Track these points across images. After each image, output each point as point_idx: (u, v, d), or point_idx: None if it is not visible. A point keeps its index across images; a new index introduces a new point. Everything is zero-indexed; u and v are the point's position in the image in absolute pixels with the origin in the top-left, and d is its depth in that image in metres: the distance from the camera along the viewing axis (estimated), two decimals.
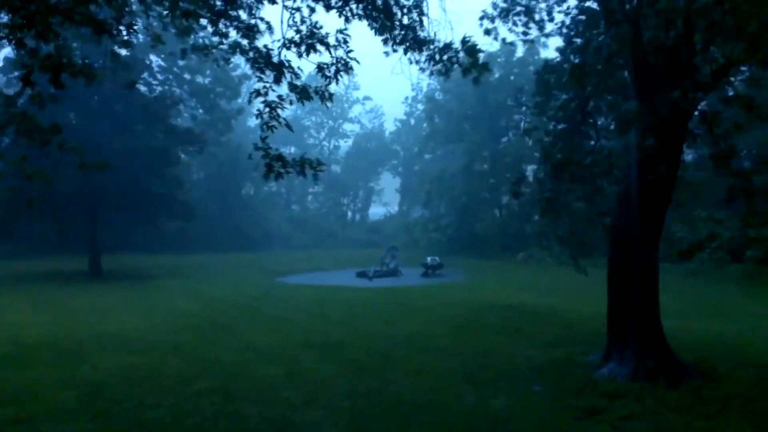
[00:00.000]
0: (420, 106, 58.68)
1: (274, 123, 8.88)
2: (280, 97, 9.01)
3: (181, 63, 33.55)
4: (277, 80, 9.00)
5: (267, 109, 8.85)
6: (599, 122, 12.38)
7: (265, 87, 8.94)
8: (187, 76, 35.22)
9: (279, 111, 8.94)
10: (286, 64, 9.09)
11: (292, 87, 9.19)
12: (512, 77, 41.05)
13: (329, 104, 9.74)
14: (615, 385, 9.62)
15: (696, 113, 10.25)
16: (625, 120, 9.56)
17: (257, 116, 9.00)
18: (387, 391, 9.52)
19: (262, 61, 9.03)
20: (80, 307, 18.36)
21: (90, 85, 6.90)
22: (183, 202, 30.05)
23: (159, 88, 34.19)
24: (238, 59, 9.94)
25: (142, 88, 31.62)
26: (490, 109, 42.25)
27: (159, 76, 34.66)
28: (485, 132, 42.90)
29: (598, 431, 7.87)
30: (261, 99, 8.91)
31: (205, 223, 39.69)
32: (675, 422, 8.19)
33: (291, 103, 9.24)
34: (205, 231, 40.41)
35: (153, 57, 32.81)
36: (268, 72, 9.06)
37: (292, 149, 54.64)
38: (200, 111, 36.86)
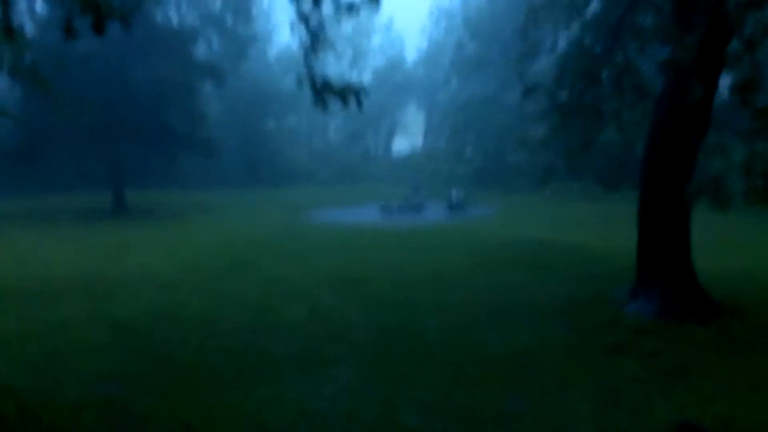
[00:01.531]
0: (441, 31, 56.80)
1: (318, 45, 8.45)
2: (320, 22, 8.50)
3: None
4: None
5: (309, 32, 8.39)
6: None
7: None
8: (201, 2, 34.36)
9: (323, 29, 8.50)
10: None
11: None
12: None
13: (375, 12, 9.05)
14: (642, 322, 9.52)
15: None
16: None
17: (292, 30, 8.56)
18: (410, 327, 9.54)
19: None
20: (105, 243, 18.60)
21: (127, 28, 6.52)
22: (204, 138, 29.87)
23: (175, 18, 33.45)
24: None
25: (159, 19, 30.97)
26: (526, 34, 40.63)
27: (174, 5, 33.87)
28: (515, 57, 41.39)
29: (625, 367, 7.81)
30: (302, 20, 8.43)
31: (225, 159, 39.54)
32: (702, 358, 8.11)
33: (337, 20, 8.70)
34: (225, 167, 40.35)
35: None
36: None
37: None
38: (215, 44, 36.20)
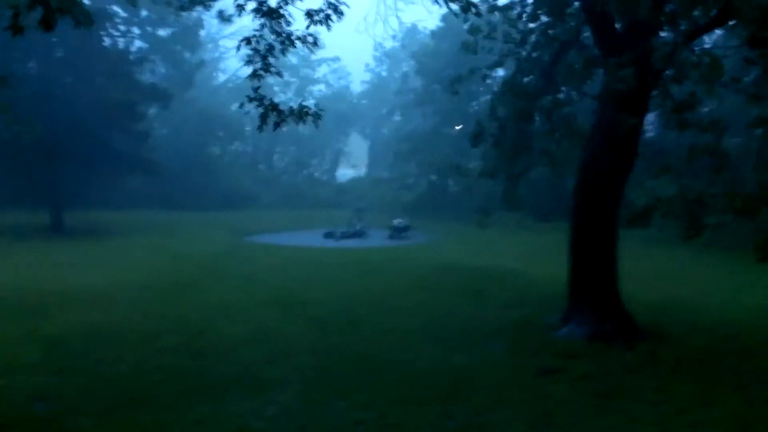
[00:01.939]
0: (384, 68, 58.09)
1: (261, 72, 8.63)
2: (270, 45, 8.72)
3: (143, 14, 32.47)
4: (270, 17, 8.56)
5: (257, 58, 8.61)
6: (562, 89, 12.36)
7: (255, 35, 8.62)
8: (149, 28, 34.15)
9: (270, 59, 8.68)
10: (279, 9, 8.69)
11: (277, 34, 8.79)
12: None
13: (314, 51, 9.35)
14: (573, 346, 9.89)
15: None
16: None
17: (247, 62, 8.72)
18: (351, 348, 9.65)
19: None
20: (42, 262, 18.01)
21: (82, 26, 6.47)
22: (146, 158, 29.41)
23: (122, 40, 33.09)
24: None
25: (106, 41, 30.55)
26: (464, 72, 41.96)
27: (121, 28, 33.47)
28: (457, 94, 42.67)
29: (556, 390, 8.12)
30: (249, 47, 8.66)
31: (169, 181, 38.80)
32: (629, 382, 8.48)
33: (282, 51, 8.89)
34: (169, 188, 39.60)
35: (115, 7, 31.63)
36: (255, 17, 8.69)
37: (260, 109, 53.69)
38: (162, 68, 35.96)
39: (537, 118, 11.77)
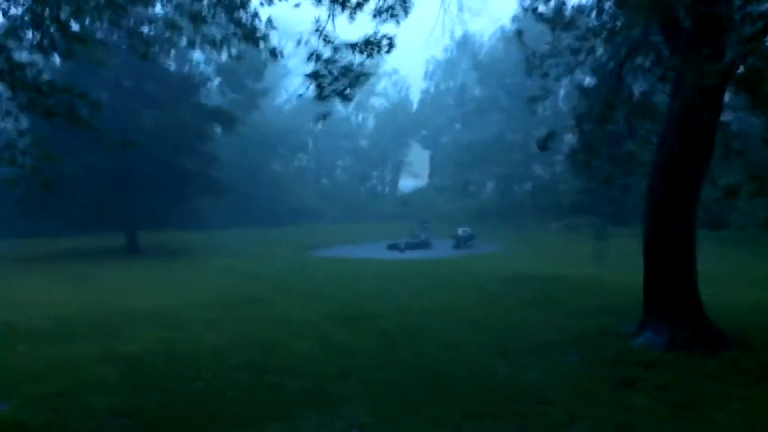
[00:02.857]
0: (442, 77, 57.95)
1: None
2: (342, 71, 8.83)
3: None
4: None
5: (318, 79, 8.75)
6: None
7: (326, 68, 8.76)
8: (213, 55, 35.47)
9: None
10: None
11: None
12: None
13: (385, 54, 9.36)
14: (651, 355, 9.52)
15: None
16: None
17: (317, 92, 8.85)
18: (420, 363, 9.57)
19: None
20: (118, 283, 18.76)
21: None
22: (215, 178, 30.34)
23: (187, 68, 34.41)
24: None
25: (172, 67, 31.82)
26: (527, 79, 41.48)
27: (186, 56, 34.81)
28: (521, 101, 42.24)
29: (635, 401, 7.80)
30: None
31: (235, 200, 40.06)
32: (712, 391, 8.09)
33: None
34: (235, 207, 40.83)
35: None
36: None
37: (320, 125, 54.57)
38: (226, 90, 37.18)
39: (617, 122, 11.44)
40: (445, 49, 56.60)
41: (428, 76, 59.15)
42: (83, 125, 8.66)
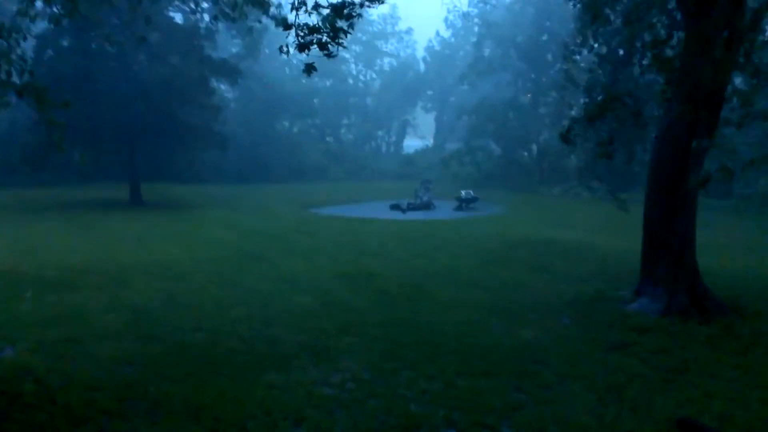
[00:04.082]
0: (456, 33, 56.82)
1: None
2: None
3: None
4: None
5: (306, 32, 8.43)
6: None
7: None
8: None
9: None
10: None
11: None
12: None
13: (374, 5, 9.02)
14: (645, 320, 9.67)
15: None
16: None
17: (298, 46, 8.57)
18: (417, 321, 9.74)
19: None
20: (122, 234, 18.92)
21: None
22: (218, 132, 30.23)
23: (193, 16, 33.81)
24: None
25: (177, 17, 31.34)
26: (541, 39, 40.83)
27: (191, 4, 34.20)
28: (532, 63, 41.64)
29: (627, 364, 7.98)
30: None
31: (240, 155, 40.05)
32: (704, 357, 8.26)
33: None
34: (240, 162, 40.83)
35: None
36: None
37: (328, 83, 54.04)
38: (231, 42, 36.48)
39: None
40: (457, 8, 55.61)
41: (438, 34, 58.12)
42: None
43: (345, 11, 8.27)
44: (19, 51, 9.03)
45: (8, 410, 6.28)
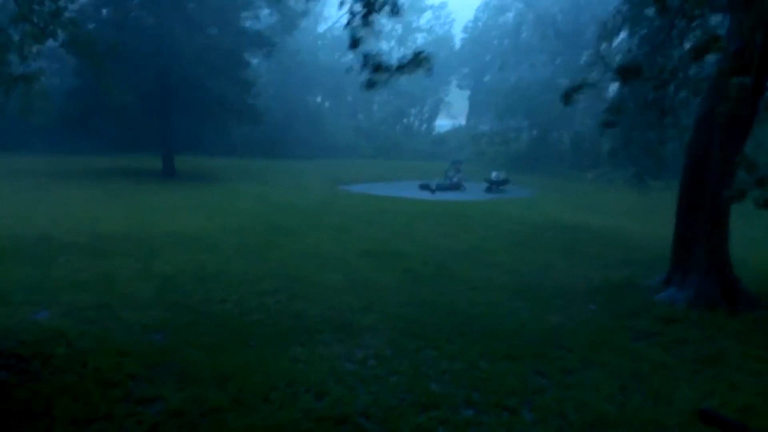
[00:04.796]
0: (492, 11, 55.83)
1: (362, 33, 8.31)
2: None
3: None
4: None
5: (360, 16, 8.19)
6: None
7: None
8: None
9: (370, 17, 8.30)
10: None
11: None
12: None
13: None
14: (673, 310, 9.55)
15: None
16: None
17: (347, 25, 8.34)
18: (442, 301, 9.76)
19: None
20: (154, 204, 19.25)
21: None
22: (251, 106, 30.35)
23: None
24: None
25: None
26: (581, 19, 40.04)
27: None
28: (569, 44, 40.82)
29: (652, 353, 7.90)
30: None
31: (272, 129, 40.16)
32: (730, 349, 8.14)
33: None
34: (272, 137, 40.98)
35: None
36: None
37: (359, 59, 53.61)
38: (266, 14, 36.33)
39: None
40: None
41: (478, 10, 56.93)
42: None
43: None
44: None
45: (41, 371, 6.50)
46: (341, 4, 8.42)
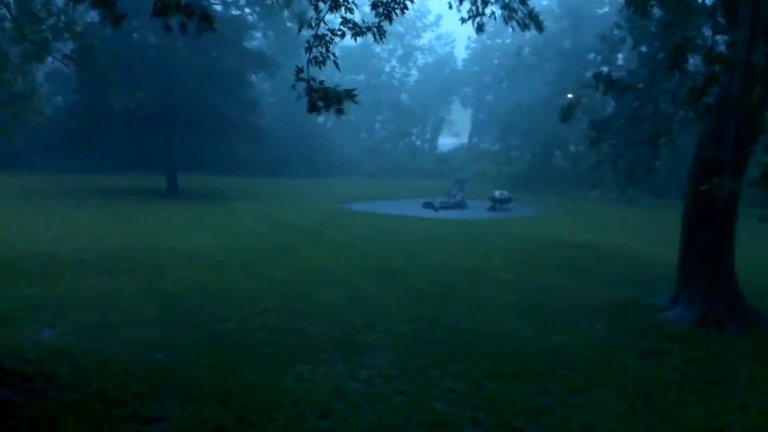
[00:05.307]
0: (493, 37, 56.36)
1: (321, 58, 8.09)
2: (332, 30, 8.16)
3: None
4: (334, 8, 8.28)
5: (316, 43, 8.06)
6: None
7: (317, 19, 8.27)
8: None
9: (330, 46, 8.11)
10: None
11: (345, 21, 8.22)
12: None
13: (383, 41, 8.97)
14: (680, 329, 9.48)
15: None
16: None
17: (306, 50, 8.17)
18: (446, 320, 9.71)
19: None
20: (158, 222, 19.27)
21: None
22: (254, 125, 30.49)
23: (233, 10, 34.16)
24: None
25: (218, 8, 31.70)
26: (580, 41, 40.40)
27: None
28: (570, 64, 41.09)
29: (659, 372, 7.83)
30: (312, 32, 8.15)
31: (275, 148, 40.28)
32: (739, 368, 8.07)
33: (343, 36, 8.54)
34: (275, 155, 41.09)
35: None
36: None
37: (362, 76, 53.97)
38: (270, 36, 36.73)
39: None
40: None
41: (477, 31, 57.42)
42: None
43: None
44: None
45: (45, 390, 6.47)
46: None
